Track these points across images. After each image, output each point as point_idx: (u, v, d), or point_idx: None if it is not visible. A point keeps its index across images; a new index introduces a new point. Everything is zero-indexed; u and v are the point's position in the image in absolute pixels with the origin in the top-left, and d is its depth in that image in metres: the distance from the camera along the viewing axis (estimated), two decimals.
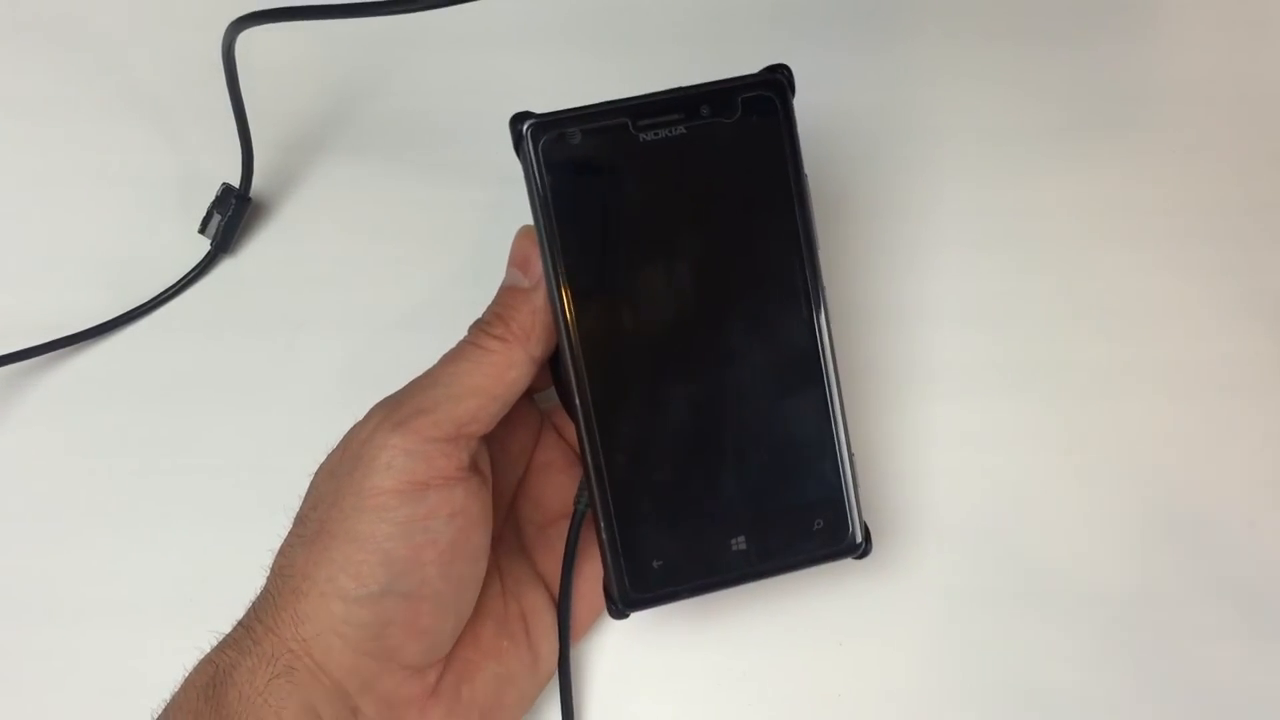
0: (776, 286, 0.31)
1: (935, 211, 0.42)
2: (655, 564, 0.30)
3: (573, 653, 0.34)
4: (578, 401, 0.30)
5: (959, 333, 0.40)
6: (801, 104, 0.42)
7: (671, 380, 0.30)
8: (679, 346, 0.30)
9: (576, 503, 0.33)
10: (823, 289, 0.31)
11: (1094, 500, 0.38)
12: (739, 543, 0.31)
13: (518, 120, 0.29)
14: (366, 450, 0.29)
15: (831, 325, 0.31)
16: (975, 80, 0.44)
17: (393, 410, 0.29)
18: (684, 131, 0.30)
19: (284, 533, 0.30)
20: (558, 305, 0.30)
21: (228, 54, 0.36)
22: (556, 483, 0.35)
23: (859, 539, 0.32)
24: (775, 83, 0.30)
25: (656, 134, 0.30)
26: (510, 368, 0.30)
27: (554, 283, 0.30)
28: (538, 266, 0.30)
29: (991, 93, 0.44)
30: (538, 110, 0.30)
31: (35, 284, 0.41)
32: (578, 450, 0.31)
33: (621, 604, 0.31)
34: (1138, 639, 0.36)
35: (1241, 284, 0.41)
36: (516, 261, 0.31)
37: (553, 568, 0.34)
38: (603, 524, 0.30)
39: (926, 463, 0.38)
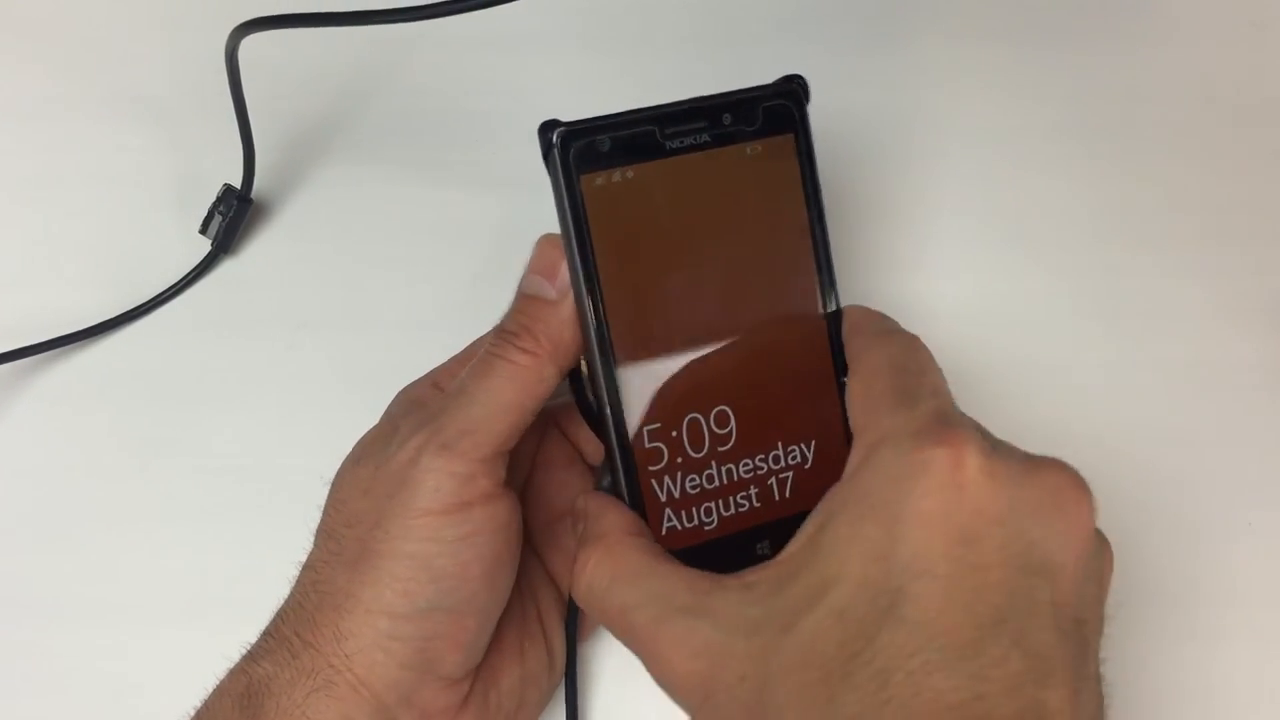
0: (795, 292, 0.31)
1: (936, 212, 0.42)
2: None
3: (579, 651, 0.34)
4: (609, 413, 0.30)
5: (961, 333, 0.40)
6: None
7: (701, 390, 0.30)
8: (707, 356, 0.31)
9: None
10: (838, 292, 0.31)
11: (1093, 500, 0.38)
12: (763, 548, 0.31)
13: (547, 129, 0.29)
14: (412, 473, 0.28)
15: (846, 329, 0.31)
16: (977, 81, 0.44)
17: (435, 431, 0.29)
18: (708, 139, 0.30)
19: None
20: (587, 316, 0.29)
21: (231, 59, 0.36)
22: (559, 479, 0.35)
23: None
24: (792, 92, 0.31)
25: (682, 142, 0.30)
26: (541, 382, 0.30)
27: (583, 293, 0.29)
28: (564, 277, 0.30)
29: (993, 94, 0.44)
30: (564, 118, 0.29)
31: (35, 284, 0.41)
32: (604, 464, 0.32)
33: None
34: (1137, 640, 0.36)
35: (1241, 284, 0.41)
36: (541, 270, 0.30)
37: (560, 564, 0.34)
38: None
39: None
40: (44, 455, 0.39)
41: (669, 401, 0.30)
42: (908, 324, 0.40)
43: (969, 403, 0.39)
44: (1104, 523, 0.38)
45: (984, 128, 0.43)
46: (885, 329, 0.30)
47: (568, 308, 0.30)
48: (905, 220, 0.42)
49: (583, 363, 0.31)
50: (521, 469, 0.34)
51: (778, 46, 0.44)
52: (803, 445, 0.31)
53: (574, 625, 0.33)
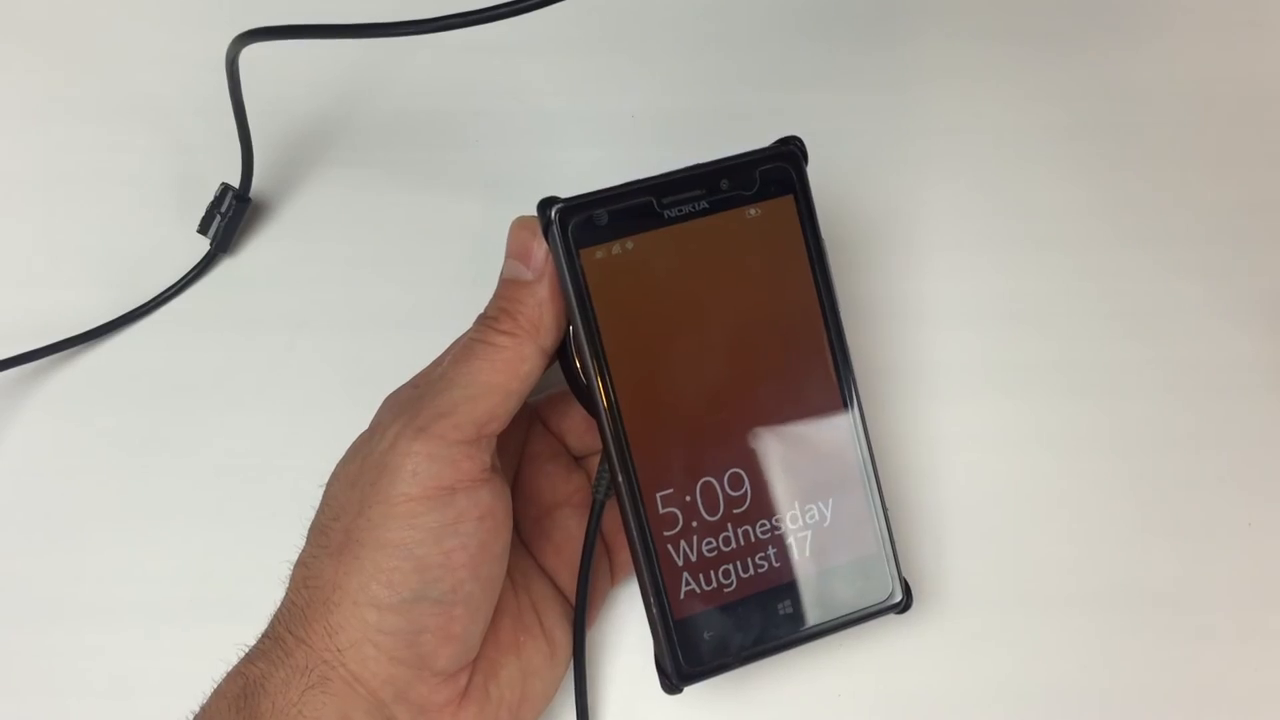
0: (804, 352, 0.31)
1: (935, 212, 0.42)
2: (706, 635, 0.31)
3: (586, 651, 0.34)
4: (622, 481, 0.30)
5: (958, 334, 0.40)
6: (804, 103, 0.42)
7: (713, 454, 0.31)
8: (719, 420, 0.31)
9: (595, 492, 0.33)
10: (848, 350, 0.32)
11: (1094, 501, 0.38)
12: (785, 608, 0.31)
13: (545, 205, 0.30)
14: (390, 458, 0.28)
15: (858, 386, 0.32)
16: (976, 81, 0.44)
17: (412, 416, 0.29)
18: (706, 206, 0.30)
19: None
20: (595, 385, 0.30)
21: (231, 67, 0.36)
22: (546, 473, 0.35)
23: (899, 595, 0.32)
24: (790, 154, 0.31)
25: (680, 210, 0.30)
26: (522, 362, 0.30)
27: (590, 363, 0.30)
28: (539, 257, 0.30)
29: (992, 93, 0.44)
30: (563, 195, 0.30)
31: (36, 284, 0.41)
32: (601, 464, 0.32)
33: (676, 679, 0.31)
34: (1138, 639, 0.36)
35: (1241, 284, 0.41)
36: (516, 253, 0.31)
37: (552, 558, 0.34)
38: (653, 600, 0.31)
39: (926, 464, 0.38)
40: (45, 456, 0.39)
41: (681, 466, 0.31)
42: (907, 324, 0.40)
43: (968, 401, 0.39)
44: (1104, 524, 0.38)
45: (983, 127, 0.43)
46: None
47: (545, 287, 0.30)
48: (905, 220, 0.42)
49: (574, 354, 0.31)
50: (511, 464, 0.34)
51: (775, 47, 0.44)
52: (820, 504, 0.32)
53: (582, 624, 0.33)
